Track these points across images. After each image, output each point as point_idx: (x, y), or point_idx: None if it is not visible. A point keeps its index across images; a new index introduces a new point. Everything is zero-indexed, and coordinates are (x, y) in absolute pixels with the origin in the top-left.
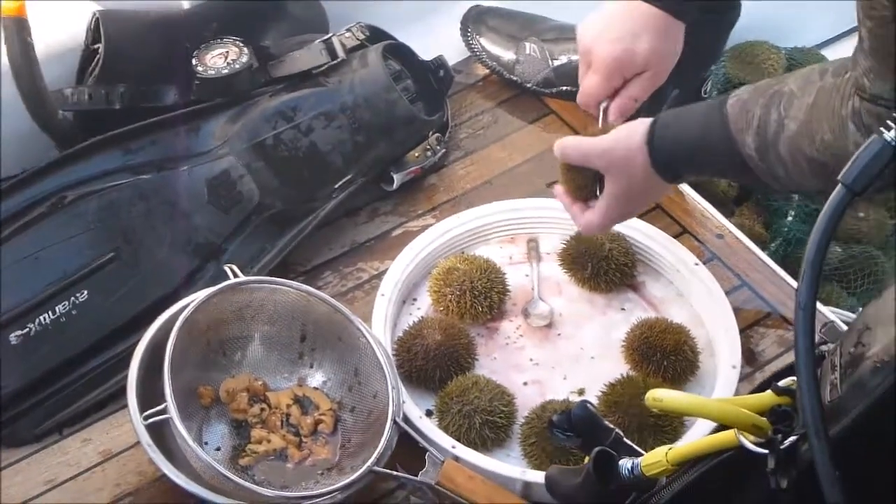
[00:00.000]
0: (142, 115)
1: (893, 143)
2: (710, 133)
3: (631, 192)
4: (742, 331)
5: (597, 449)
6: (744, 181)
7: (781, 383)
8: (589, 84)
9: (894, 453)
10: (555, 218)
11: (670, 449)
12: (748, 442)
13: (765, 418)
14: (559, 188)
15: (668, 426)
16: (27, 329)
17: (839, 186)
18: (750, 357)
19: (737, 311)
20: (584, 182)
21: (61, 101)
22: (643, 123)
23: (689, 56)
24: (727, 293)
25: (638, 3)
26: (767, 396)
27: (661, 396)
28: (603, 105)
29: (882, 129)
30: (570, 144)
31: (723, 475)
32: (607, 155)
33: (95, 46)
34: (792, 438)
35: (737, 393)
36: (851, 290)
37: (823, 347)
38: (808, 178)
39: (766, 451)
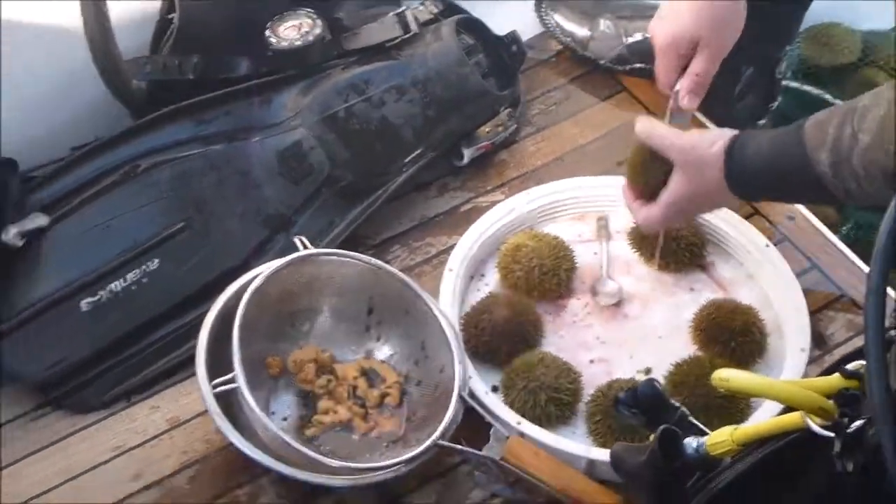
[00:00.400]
0: (215, 86)
1: None
2: (786, 151)
3: (698, 195)
4: (812, 314)
5: (662, 427)
6: (815, 201)
7: (850, 367)
8: (656, 68)
9: None
10: None
11: (736, 429)
12: (815, 425)
13: (832, 401)
14: (624, 182)
15: (735, 407)
16: (98, 296)
17: None
18: (819, 340)
19: (807, 293)
20: (653, 176)
21: (135, 71)
22: (728, 133)
23: (764, 35)
24: (797, 275)
25: None
26: (835, 379)
27: (728, 376)
28: (676, 88)
29: None
30: (656, 130)
31: (788, 457)
32: (687, 153)
33: (170, 16)
34: (859, 422)
35: (805, 376)
36: None
37: (894, 332)
38: (883, 191)
39: (832, 435)
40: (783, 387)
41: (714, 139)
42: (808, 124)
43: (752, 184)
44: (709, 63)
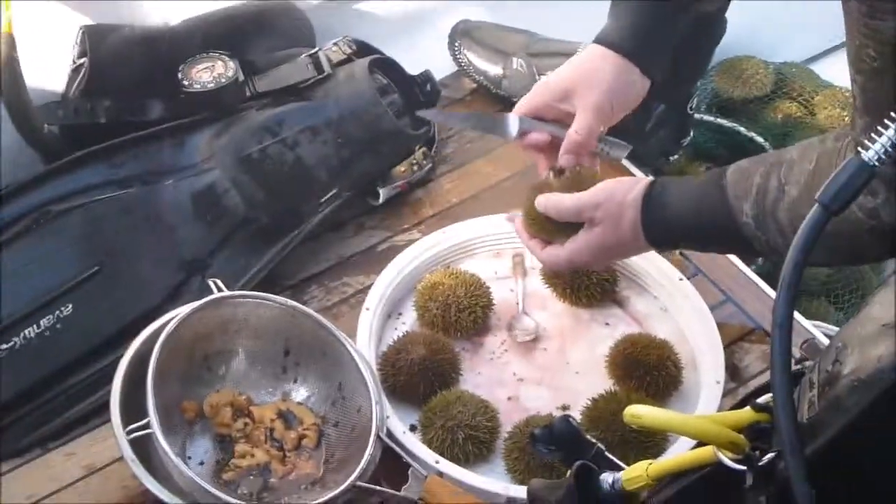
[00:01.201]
0: (127, 130)
1: (870, 164)
2: (706, 199)
3: (610, 245)
4: (726, 346)
5: (578, 463)
6: (734, 251)
7: (760, 400)
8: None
9: (870, 472)
10: None
11: (651, 464)
12: (727, 458)
13: (742, 435)
14: (519, 223)
15: (652, 442)
16: (12, 343)
17: (816, 206)
18: (734, 372)
19: (721, 326)
20: (557, 227)
21: (47, 116)
22: (644, 181)
23: (675, 72)
24: (712, 308)
25: (603, 51)
26: (746, 413)
27: (639, 413)
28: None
29: (859, 148)
30: (561, 204)
31: (702, 491)
32: (600, 206)
33: (82, 61)
34: (769, 455)
35: (720, 408)
36: (839, 306)
37: (801, 366)
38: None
39: (744, 468)
40: (693, 422)
41: (629, 187)
42: (730, 171)
43: (670, 232)
44: (585, 121)
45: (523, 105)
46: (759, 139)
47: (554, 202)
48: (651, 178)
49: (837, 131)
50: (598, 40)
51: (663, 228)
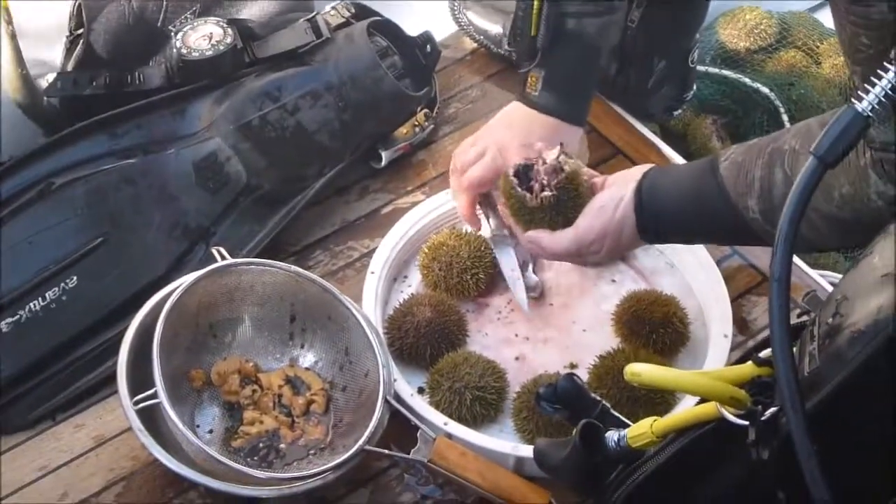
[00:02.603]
0: (127, 100)
1: (864, 114)
2: (706, 201)
3: (613, 256)
4: (734, 300)
5: (583, 421)
6: (744, 244)
7: (762, 354)
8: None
9: (871, 424)
10: None
11: (655, 420)
12: (729, 414)
13: (744, 390)
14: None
15: (660, 398)
16: (18, 316)
17: (811, 158)
18: (742, 325)
19: (728, 279)
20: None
21: (46, 88)
22: (628, 188)
23: (674, 27)
24: (718, 262)
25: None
26: (748, 367)
27: (639, 370)
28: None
29: (853, 99)
30: (561, 246)
31: (706, 446)
32: (597, 241)
33: (79, 31)
34: (772, 410)
35: (729, 362)
36: (849, 256)
37: (807, 317)
38: (824, 237)
39: (746, 423)
40: (693, 378)
41: (616, 203)
42: (724, 167)
43: (670, 233)
44: (484, 171)
45: (477, 175)
46: (765, 90)
47: (546, 247)
48: (635, 187)
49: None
50: (531, 104)
51: (662, 231)
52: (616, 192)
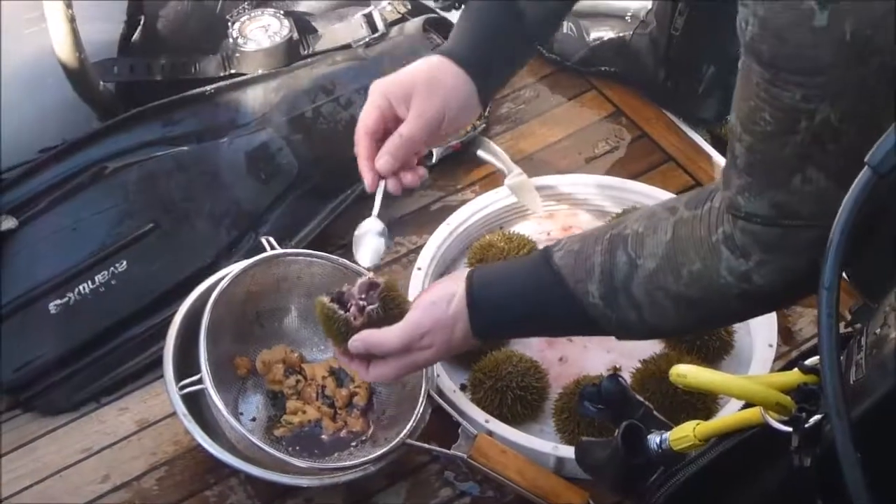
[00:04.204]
0: (182, 87)
1: None
2: (542, 290)
3: (442, 356)
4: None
5: (625, 422)
6: (579, 334)
7: (808, 362)
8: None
9: None
10: (594, 194)
11: (698, 424)
12: (773, 420)
13: (789, 397)
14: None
15: (701, 404)
16: (67, 298)
17: (865, 169)
18: (787, 336)
19: None
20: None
21: (103, 73)
22: (459, 287)
23: (718, 34)
24: None
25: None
26: (794, 374)
27: (685, 372)
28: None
29: None
30: (389, 344)
31: (749, 452)
32: (430, 333)
33: (138, 17)
34: (816, 418)
35: (772, 371)
36: None
37: (856, 326)
38: (669, 317)
39: (790, 430)
40: (739, 382)
41: (447, 298)
42: (559, 257)
43: (505, 329)
44: (414, 127)
45: (364, 120)
46: None
47: (374, 345)
48: (464, 280)
49: (685, 199)
50: (443, 52)
51: (497, 326)
52: (447, 286)
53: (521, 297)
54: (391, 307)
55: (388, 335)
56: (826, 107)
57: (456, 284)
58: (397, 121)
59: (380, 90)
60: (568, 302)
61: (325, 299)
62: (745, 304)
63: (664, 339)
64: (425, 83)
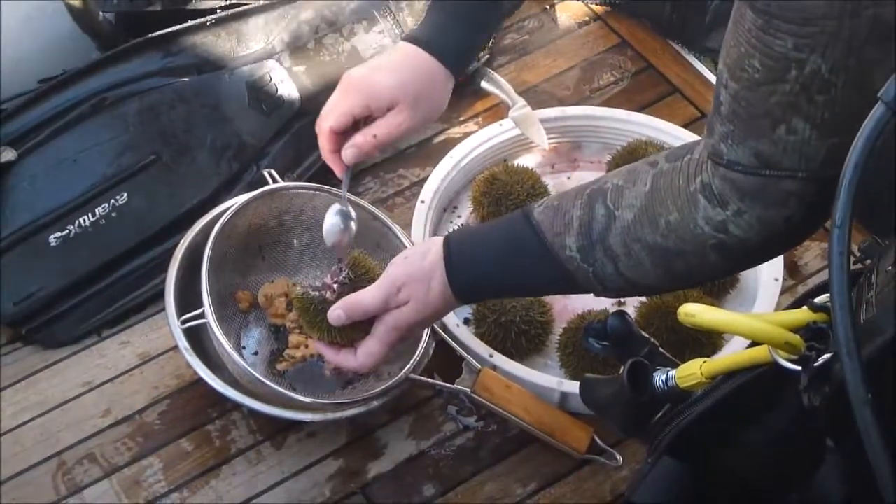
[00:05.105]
0: (182, 18)
1: None
2: (519, 245)
3: (423, 317)
4: None
5: (631, 359)
6: (556, 292)
7: (818, 300)
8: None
9: None
10: (599, 126)
11: (705, 362)
12: (782, 359)
13: (798, 335)
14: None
15: (707, 340)
16: (67, 231)
17: (878, 104)
18: (793, 270)
19: None
20: (356, 334)
21: (102, 3)
22: (436, 242)
23: None
24: None
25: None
26: (803, 313)
27: (693, 311)
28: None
29: None
30: (365, 303)
31: (757, 390)
32: (406, 286)
33: None
34: (825, 357)
35: (779, 305)
36: None
37: (867, 263)
38: (646, 270)
39: (799, 369)
40: (748, 321)
41: (422, 253)
42: (539, 212)
43: (482, 283)
44: (393, 136)
45: (333, 113)
46: None
47: (352, 306)
48: (441, 238)
49: (666, 153)
50: (411, 39)
51: (474, 282)
52: (422, 245)
53: (497, 251)
54: (361, 274)
55: (364, 294)
56: (817, 57)
57: (432, 242)
58: (369, 119)
59: (362, 97)
60: (545, 256)
61: (299, 292)
62: (722, 256)
63: None
64: (412, 99)
